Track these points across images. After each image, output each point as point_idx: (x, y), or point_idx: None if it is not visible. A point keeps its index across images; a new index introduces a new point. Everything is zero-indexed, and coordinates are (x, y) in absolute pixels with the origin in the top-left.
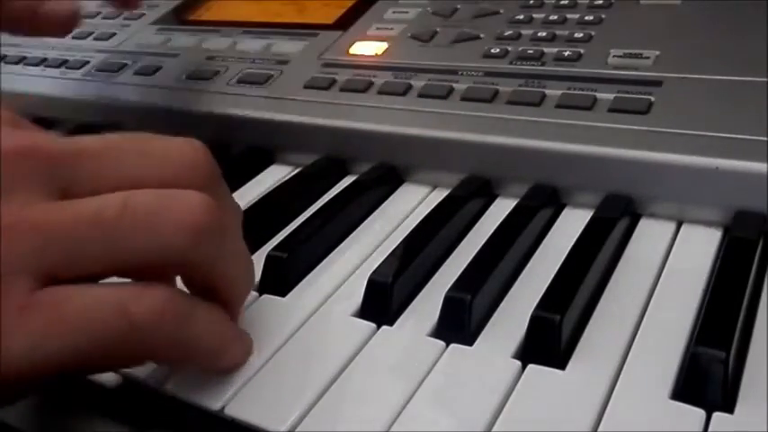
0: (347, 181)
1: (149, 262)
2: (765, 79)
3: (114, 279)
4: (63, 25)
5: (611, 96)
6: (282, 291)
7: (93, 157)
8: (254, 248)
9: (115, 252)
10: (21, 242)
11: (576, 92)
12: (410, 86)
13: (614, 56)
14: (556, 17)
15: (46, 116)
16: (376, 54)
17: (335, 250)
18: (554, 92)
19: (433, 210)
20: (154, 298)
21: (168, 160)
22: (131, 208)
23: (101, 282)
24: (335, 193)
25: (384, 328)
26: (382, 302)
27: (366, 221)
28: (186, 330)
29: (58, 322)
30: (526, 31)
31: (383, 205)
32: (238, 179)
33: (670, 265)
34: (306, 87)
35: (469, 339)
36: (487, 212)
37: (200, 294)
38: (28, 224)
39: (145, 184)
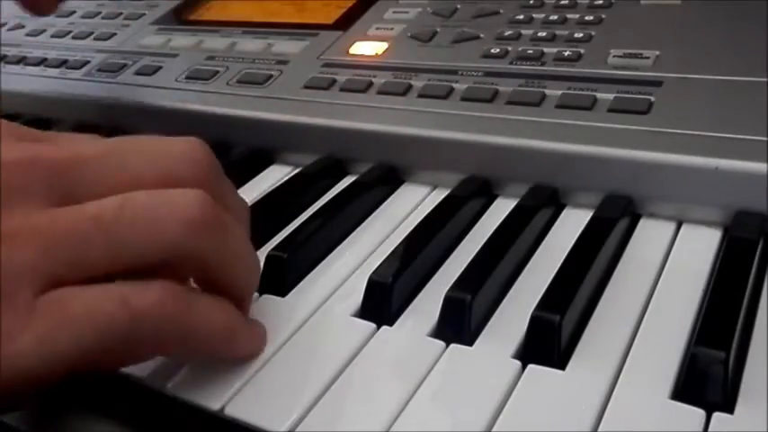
0: (347, 181)
1: (150, 260)
2: (765, 79)
3: None
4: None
5: (611, 96)
6: (282, 291)
7: (93, 161)
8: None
9: (116, 251)
10: (23, 250)
11: (575, 92)
12: (410, 86)
13: (614, 56)
14: (556, 17)
15: (46, 116)
16: (376, 54)
17: (335, 250)
18: (554, 92)
19: (433, 210)
20: (154, 290)
21: (167, 158)
22: (129, 207)
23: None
24: (335, 193)
25: (384, 328)
26: (382, 302)
27: (366, 221)
28: (188, 320)
29: (65, 319)
30: (526, 31)
31: (383, 205)
32: (238, 179)
33: (670, 265)
34: (306, 87)
35: (469, 339)
36: (487, 212)
37: (208, 291)
38: (30, 232)
39: (144, 184)
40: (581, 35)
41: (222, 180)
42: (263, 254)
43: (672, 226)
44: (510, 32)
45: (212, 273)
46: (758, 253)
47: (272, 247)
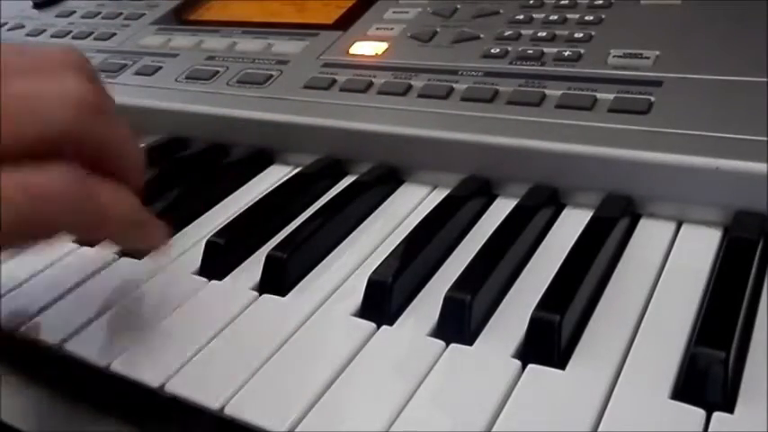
0: (347, 181)
1: (41, 141)
2: (765, 79)
3: None
4: None
5: (611, 96)
6: (282, 291)
7: None
8: (254, 248)
9: (7, 134)
10: None
11: (575, 92)
12: (410, 86)
13: (614, 56)
14: (556, 17)
15: None
16: (376, 54)
17: (335, 250)
18: (554, 92)
19: (433, 210)
20: (52, 171)
21: (41, 54)
22: (12, 94)
23: None
24: (335, 193)
25: (384, 327)
26: (382, 302)
27: (366, 222)
28: (95, 200)
29: None
30: (526, 31)
31: (383, 205)
32: (238, 179)
33: (670, 265)
34: (306, 87)
35: (469, 339)
36: (487, 212)
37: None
38: None
39: (19, 67)
40: (581, 35)
41: (95, 72)
42: (263, 254)
43: (672, 226)
44: (510, 32)
45: (101, 153)
46: (758, 253)
47: (273, 247)
